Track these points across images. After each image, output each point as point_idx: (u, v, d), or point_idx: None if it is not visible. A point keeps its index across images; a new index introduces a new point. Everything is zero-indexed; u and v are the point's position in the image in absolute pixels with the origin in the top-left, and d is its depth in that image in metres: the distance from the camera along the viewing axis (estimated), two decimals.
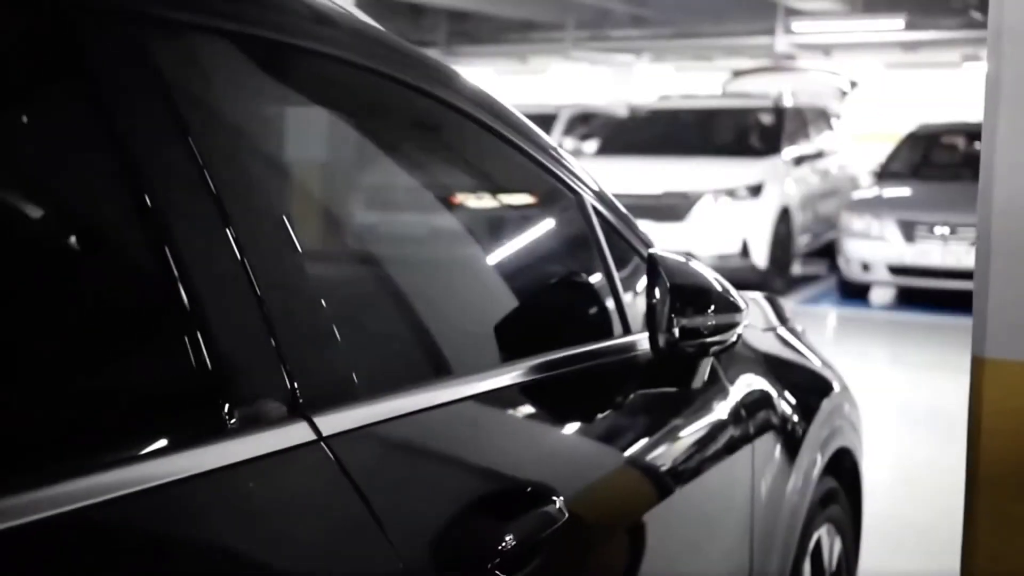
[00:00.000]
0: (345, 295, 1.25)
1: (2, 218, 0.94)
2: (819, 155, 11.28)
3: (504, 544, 1.18)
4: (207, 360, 0.99)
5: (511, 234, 1.84)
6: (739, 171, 9.66)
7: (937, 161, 10.22)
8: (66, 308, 0.94)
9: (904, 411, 5.45)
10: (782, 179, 10.09)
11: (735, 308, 1.74)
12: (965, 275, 8.29)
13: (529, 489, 1.28)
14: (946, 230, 8.51)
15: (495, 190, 1.83)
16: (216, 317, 1.01)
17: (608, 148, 10.75)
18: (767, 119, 10.85)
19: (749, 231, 9.18)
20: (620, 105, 13.35)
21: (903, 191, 9.56)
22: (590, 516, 1.42)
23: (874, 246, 8.79)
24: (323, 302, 1.16)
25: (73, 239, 0.99)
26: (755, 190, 9.64)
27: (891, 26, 15.63)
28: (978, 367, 1.99)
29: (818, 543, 2.36)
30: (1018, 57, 2.03)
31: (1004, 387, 1.97)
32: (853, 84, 13.22)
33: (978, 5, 15.43)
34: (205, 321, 0.99)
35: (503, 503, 1.23)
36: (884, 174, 10.20)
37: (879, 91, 19.22)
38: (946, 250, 8.49)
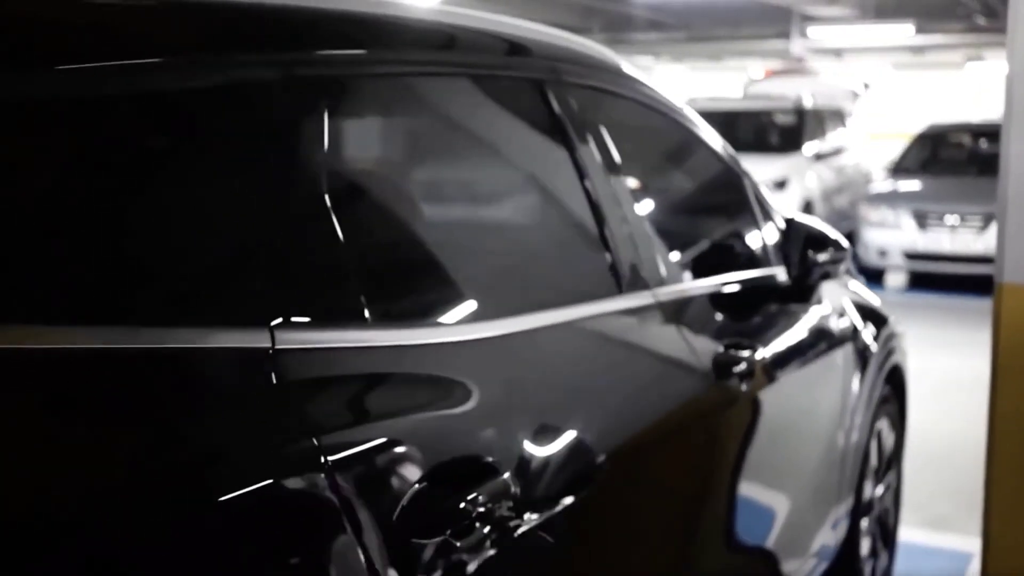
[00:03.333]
0: (657, 230, 2.18)
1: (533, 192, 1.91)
2: (835, 152, 12.16)
3: (741, 366, 2.12)
4: (611, 258, 1.92)
5: (716, 200, 2.79)
6: (765, 167, 10.49)
7: (945, 157, 11.07)
8: (574, 235, 1.94)
9: (915, 377, 6.33)
10: (804, 174, 10.98)
11: (844, 249, 2.68)
12: (972, 260, 9.24)
13: (744, 341, 2.22)
14: (956, 219, 9.44)
15: (702, 174, 2.77)
16: (615, 239, 1.94)
17: None
18: (789, 119, 11.74)
19: None
20: None
21: (916, 184, 10.42)
22: (772, 366, 2.36)
23: (890, 234, 9.73)
24: (649, 234, 2.09)
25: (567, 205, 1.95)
26: (780, 184, 10.54)
27: (902, 31, 16.19)
28: (998, 292, 2.87)
29: (880, 431, 3.28)
30: None
31: (1019, 306, 2.84)
32: (866, 86, 14.08)
33: (982, 10, 16.30)
34: (612, 241, 1.93)
35: (737, 345, 2.17)
36: (898, 169, 11.04)
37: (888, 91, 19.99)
38: (955, 237, 9.43)
